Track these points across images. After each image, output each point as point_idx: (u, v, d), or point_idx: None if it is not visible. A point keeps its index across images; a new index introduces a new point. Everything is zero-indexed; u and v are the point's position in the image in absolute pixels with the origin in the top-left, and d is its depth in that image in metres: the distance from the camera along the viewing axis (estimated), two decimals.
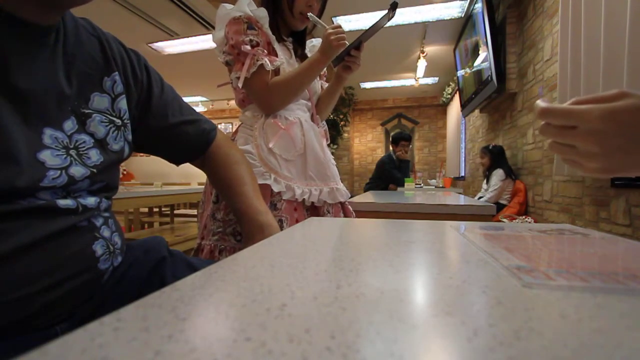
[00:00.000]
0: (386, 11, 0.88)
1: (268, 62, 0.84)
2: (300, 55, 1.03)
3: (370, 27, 0.88)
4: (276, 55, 0.90)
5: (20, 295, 0.36)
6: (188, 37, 4.02)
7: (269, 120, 0.91)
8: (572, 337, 0.18)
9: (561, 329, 0.19)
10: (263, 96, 0.88)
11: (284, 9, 0.93)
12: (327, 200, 0.94)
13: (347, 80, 1.03)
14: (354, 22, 3.67)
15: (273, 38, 0.91)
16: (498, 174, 2.96)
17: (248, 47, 0.84)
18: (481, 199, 3.05)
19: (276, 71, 0.89)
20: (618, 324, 0.20)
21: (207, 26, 3.72)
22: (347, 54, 0.93)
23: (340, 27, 0.87)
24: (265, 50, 0.87)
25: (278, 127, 0.90)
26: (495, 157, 3.08)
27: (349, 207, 1.05)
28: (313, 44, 1.11)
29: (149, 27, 3.72)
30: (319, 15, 0.98)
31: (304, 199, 0.90)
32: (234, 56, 0.86)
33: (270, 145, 0.88)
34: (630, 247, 0.41)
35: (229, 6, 0.89)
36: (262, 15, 0.89)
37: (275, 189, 0.86)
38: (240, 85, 0.85)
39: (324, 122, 1.11)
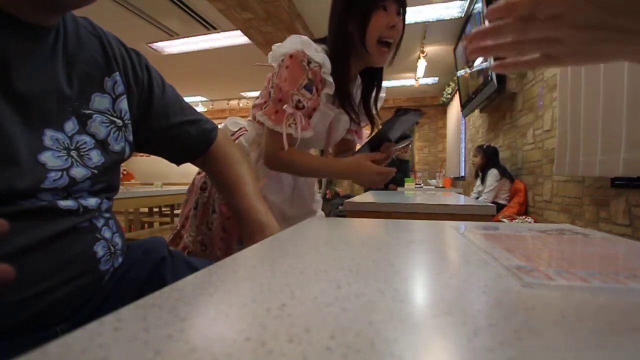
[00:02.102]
0: (404, 115, 0.80)
1: (299, 131, 0.77)
2: (365, 102, 0.90)
3: (388, 128, 0.81)
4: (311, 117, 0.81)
5: (22, 297, 0.36)
6: (188, 37, 4.02)
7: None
8: (572, 337, 0.18)
9: (561, 329, 0.19)
10: (270, 155, 0.82)
11: (356, 44, 0.78)
12: None
13: None
14: None
15: (320, 106, 0.81)
16: (493, 174, 2.98)
17: (290, 109, 0.76)
18: (478, 200, 3.06)
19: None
20: (618, 324, 0.20)
21: (207, 26, 3.72)
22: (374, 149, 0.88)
23: (388, 173, 0.82)
24: (304, 120, 0.78)
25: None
26: (488, 157, 3.11)
27: None
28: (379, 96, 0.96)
29: (149, 27, 3.72)
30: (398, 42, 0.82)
31: None
32: (275, 98, 0.78)
33: (260, 186, 0.85)
34: (630, 247, 0.41)
35: (309, 43, 0.79)
36: (327, 86, 0.79)
37: None
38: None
39: None
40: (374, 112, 0.93)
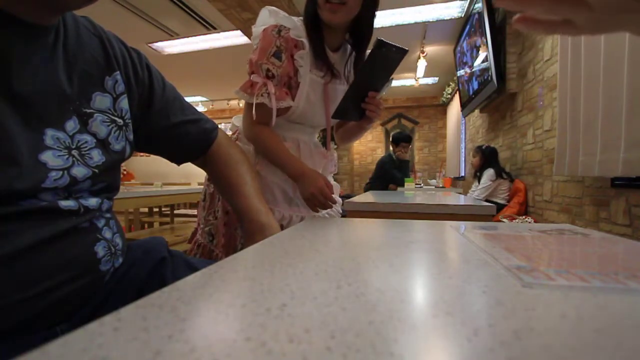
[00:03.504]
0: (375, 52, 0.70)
1: (274, 100, 0.77)
2: (354, 62, 0.87)
3: (361, 71, 0.74)
4: (293, 88, 0.81)
5: (22, 297, 0.36)
6: (188, 37, 4.02)
7: None
8: (572, 337, 0.18)
9: (561, 329, 0.19)
10: (245, 126, 0.84)
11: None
12: None
13: (370, 127, 0.92)
14: None
15: (303, 68, 0.79)
16: (488, 174, 3.00)
17: (259, 79, 0.77)
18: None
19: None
20: (618, 324, 0.20)
21: (207, 26, 3.72)
22: (359, 110, 0.82)
23: (331, 202, 0.78)
24: (275, 86, 0.77)
25: None
26: (486, 158, 3.12)
27: None
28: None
29: (149, 27, 3.72)
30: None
31: (281, 224, 0.86)
32: (249, 73, 0.80)
33: (257, 167, 0.85)
34: (630, 247, 0.41)
35: (276, 11, 0.80)
36: (300, 46, 0.78)
37: None
38: (242, 102, 0.81)
39: (334, 148, 1.00)
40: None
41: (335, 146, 1.07)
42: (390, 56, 0.73)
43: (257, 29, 0.81)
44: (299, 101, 0.81)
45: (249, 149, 0.88)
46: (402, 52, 0.73)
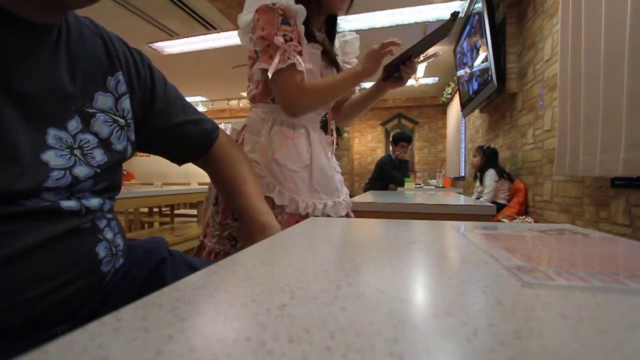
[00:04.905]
0: (445, 21, 0.76)
1: (301, 61, 0.76)
2: (328, 55, 0.91)
3: (423, 39, 0.78)
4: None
5: (23, 298, 0.36)
6: (188, 37, 4.02)
7: (275, 127, 0.85)
8: (572, 337, 0.18)
9: (561, 329, 0.19)
10: (291, 96, 0.79)
11: None
12: (331, 214, 0.90)
13: (386, 92, 0.95)
14: (354, 22, 3.67)
15: (304, 41, 0.81)
16: (491, 175, 3.01)
17: (281, 40, 0.75)
18: (479, 200, 3.08)
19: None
20: (618, 324, 0.20)
21: (207, 26, 3.72)
22: (396, 68, 0.85)
23: (390, 43, 0.82)
24: (298, 48, 0.78)
25: (285, 135, 0.85)
26: (487, 158, 3.13)
27: (352, 216, 1.02)
28: (345, 39, 0.99)
29: (149, 27, 3.72)
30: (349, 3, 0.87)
31: (307, 213, 0.85)
32: (263, 47, 0.77)
33: (275, 157, 0.83)
34: (630, 247, 0.41)
35: None
36: (299, 11, 0.79)
37: (278, 202, 0.82)
38: (269, 76, 0.76)
39: (334, 130, 1.02)
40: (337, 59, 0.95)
41: (336, 146, 1.08)
42: (449, 28, 0.80)
43: (246, 17, 0.80)
44: (311, 67, 0.82)
45: (259, 140, 0.85)
46: (452, 26, 0.80)
